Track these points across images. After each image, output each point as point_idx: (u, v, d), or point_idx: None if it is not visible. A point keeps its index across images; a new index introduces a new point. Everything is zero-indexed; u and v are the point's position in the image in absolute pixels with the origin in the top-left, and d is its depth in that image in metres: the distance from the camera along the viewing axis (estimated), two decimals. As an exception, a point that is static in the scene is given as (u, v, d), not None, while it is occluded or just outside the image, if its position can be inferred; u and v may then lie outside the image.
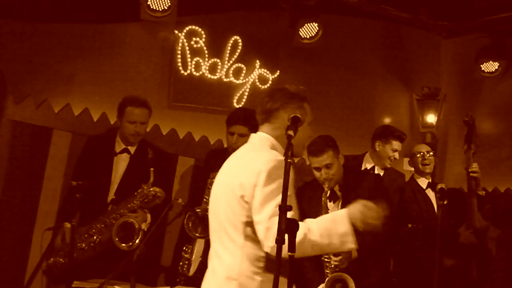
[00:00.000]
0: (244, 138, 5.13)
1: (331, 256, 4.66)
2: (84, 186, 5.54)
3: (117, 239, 5.14)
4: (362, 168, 6.30)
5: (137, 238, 5.14)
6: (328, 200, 4.94)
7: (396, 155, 6.35)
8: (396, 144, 6.36)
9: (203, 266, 4.87)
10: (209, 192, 4.86)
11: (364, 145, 6.83)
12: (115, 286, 4.28)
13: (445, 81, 8.96)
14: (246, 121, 5.13)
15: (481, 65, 8.38)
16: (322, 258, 4.74)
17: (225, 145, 7.17)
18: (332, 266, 4.69)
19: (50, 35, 6.78)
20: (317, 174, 4.98)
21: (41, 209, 6.37)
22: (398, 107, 8.98)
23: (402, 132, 6.52)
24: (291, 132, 3.13)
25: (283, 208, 2.89)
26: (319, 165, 4.90)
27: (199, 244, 5.01)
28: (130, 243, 5.16)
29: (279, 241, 2.87)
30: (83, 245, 5.28)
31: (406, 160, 8.82)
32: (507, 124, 8.92)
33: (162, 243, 5.71)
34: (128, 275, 3.94)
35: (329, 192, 4.91)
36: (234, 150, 5.08)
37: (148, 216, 5.38)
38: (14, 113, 6.30)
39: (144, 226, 5.36)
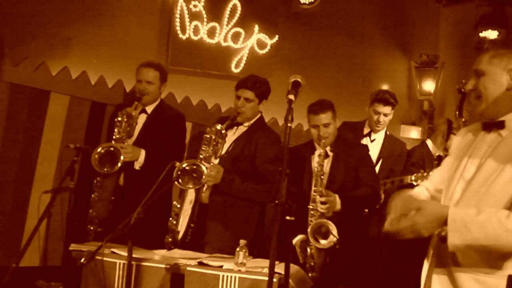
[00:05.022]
0: (250, 103, 5.12)
1: (318, 204, 4.93)
2: (80, 149, 5.59)
3: (97, 163, 5.22)
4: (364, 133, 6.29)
5: (116, 166, 5.23)
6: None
7: (381, 118, 6.15)
8: (378, 106, 6.15)
9: (194, 230, 4.92)
10: (206, 147, 4.92)
11: (361, 112, 6.82)
12: (112, 249, 4.29)
13: (444, 49, 8.93)
14: (254, 86, 5.12)
15: (480, 34, 8.34)
16: (309, 206, 4.99)
17: (223, 110, 7.19)
18: (318, 214, 4.95)
19: (48, -3, 6.75)
20: (314, 131, 5.22)
21: (38, 172, 6.37)
22: (396, 74, 8.96)
23: (390, 95, 6.27)
24: (291, 97, 3.11)
25: (283, 172, 2.89)
26: (318, 123, 5.16)
27: (189, 197, 5.02)
28: (109, 168, 5.24)
29: (278, 205, 2.87)
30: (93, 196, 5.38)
31: (403, 127, 8.85)
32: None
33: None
34: (126, 239, 3.94)
35: (323, 151, 5.15)
36: (239, 114, 5.12)
37: (142, 153, 5.44)
38: (12, 75, 6.26)
39: (137, 166, 5.42)
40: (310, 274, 4.90)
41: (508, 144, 2.94)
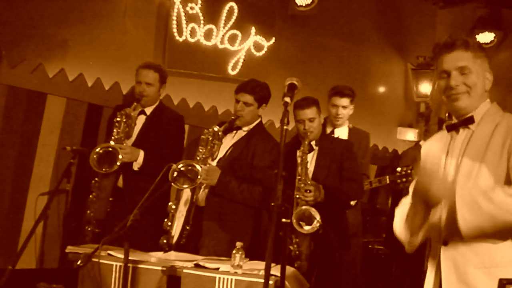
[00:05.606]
0: (249, 107, 5.12)
1: (304, 193, 5.00)
2: (77, 151, 5.58)
3: (95, 163, 5.17)
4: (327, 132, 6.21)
5: (115, 165, 5.20)
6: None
7: (340, 110, 6.09)
8: (335, 99, 6.09)
9: (190, 233, 4.92)
10: (202, 148, 4.92)
11: (359, 114, 6.80)
12: (109, 251, 4.29)
13: (441, 51, 8.94)
14: (253, 90, 5.13)
15: (477, 36, 8.36)
16: (295, 196, 5.05)
17: (219, 112, 7.19)
18: (304, 203, 4.99)
19: (45, -1, 6.74)
20: (300, 126, 5.31)
21: (35, 174, 6.35)
22: (393, 76, 8.98)
23: (346, 87, 6.19)
24: (287, 99, 3.11)
25: (279, 174, 2.89)
26: (304, 117, 5.27)
27: (184, 198, 5.02)
28: (107, 168, 5.21)
29: (275, 207, 2.87)
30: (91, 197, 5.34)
31: (399, 129, 8.86)
32: (501, 96, 8.92)
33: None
34: (122, 241, 3.94)
35: (307, 144, 5.23)
36: (237, 117, 5.13)
37: (141, 154, 5.42)
38: (9, 77, 6.25)
39: (136, 167, 5.40)
40: (296, 265, 4.92)
41: (479, 137, 3.09)
